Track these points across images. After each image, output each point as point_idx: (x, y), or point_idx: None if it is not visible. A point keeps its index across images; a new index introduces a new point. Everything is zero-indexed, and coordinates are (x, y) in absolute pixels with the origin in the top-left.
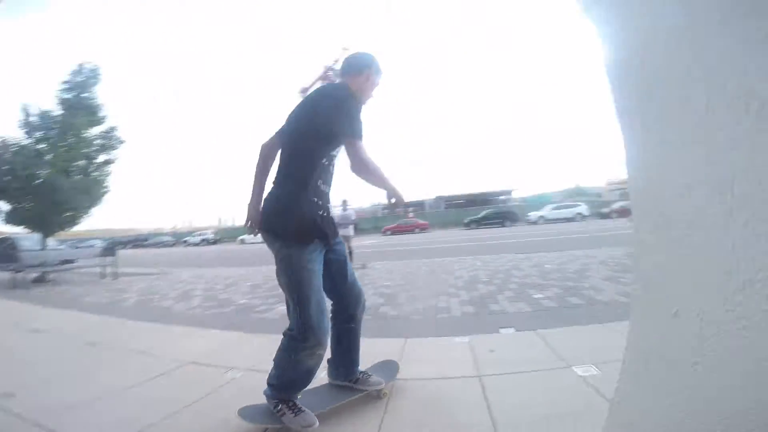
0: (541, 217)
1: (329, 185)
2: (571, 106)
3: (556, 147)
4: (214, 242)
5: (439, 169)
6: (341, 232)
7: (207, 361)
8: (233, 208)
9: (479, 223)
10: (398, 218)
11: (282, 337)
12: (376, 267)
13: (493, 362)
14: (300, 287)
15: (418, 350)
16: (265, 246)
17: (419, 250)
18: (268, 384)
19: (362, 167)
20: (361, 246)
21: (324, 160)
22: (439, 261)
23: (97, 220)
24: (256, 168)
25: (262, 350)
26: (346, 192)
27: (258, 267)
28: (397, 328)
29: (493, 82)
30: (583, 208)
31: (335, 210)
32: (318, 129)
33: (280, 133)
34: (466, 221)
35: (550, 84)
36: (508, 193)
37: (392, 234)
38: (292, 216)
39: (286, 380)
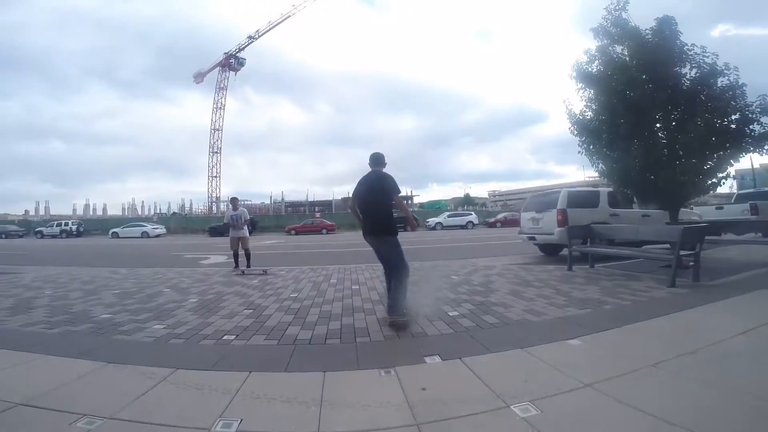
0: (439, 223)
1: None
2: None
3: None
4: (78, 234)
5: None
6: (234, 233)
7: (46, 402)
8: (102, 192)
9: None
10: (306, 218)
11: (389, 283)
12: (280, 273)
13: (428, 403)
14: (401, 252)
15: (341, 389)
16: (140, 241)
17: (327, 254)
18: (394, 307)
19: (402, 206)
20: (261, 246)
21: (392, 201)
22: (350, 267)
23: None
24: (354, 214)
25: (127, 389)
26: (236, 190)
27: (134, 268)
28: (311, 356)
29: (398, 86)
30: (473, 217)
31: (225, 211)
32: (389, 191)
33: (357, 196)
34: None
35: (451, 95)
36: (410, 198)
37: (296, 234)
38: (394, 225)
39: (403, 297)
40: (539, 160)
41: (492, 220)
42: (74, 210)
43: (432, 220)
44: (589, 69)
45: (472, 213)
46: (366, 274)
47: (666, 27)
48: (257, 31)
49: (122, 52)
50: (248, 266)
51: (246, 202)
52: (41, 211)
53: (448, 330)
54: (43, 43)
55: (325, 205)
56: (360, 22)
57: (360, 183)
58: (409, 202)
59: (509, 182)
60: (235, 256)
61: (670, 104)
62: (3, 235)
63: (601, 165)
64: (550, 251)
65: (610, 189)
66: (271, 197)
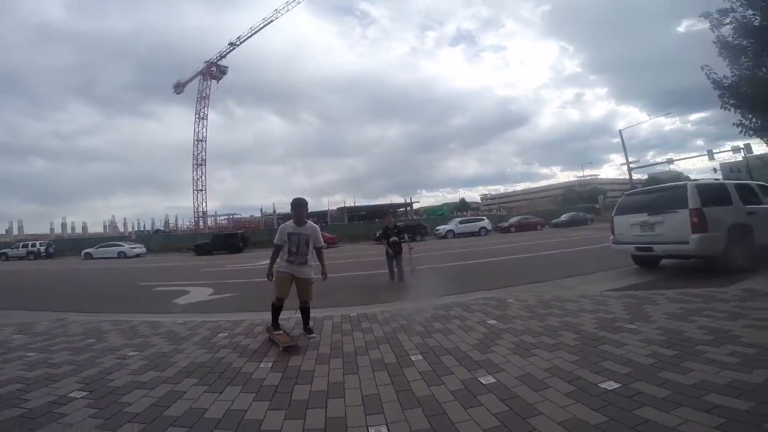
0: (450, 231)
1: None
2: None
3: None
4: (48, 255)
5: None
6: (288, 267)
7: None
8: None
9: None
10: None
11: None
12: (333, 335)
13: None
14: None
15: None
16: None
17: (356, 281)
18: None
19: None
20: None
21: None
22: (440, 313)
23: None
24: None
25: None
26: (223, 204)
27: (55, 322)
28: None
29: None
30: (486, 223)
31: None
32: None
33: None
34: (377, 235)
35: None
36: (409, 205)
37: None
38: None
39: None
40: (525, 162)
41: (506, 224)
42: (51, 229)
43: (442, 228)
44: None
45: (485, 218)
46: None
47: None
48: (239, 37)
49: (99, 68)
50: (305, 326)
51: (234, 216)
52: (15, 231)
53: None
54: (17, 60)
55: (320, 216)
56: (341, 29)
57: None
58: (409, 210)
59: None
60: (277, 311)
61: None
62: None
63: None
64: (649, 263)
65: (738, 181)
66: (261, 210)
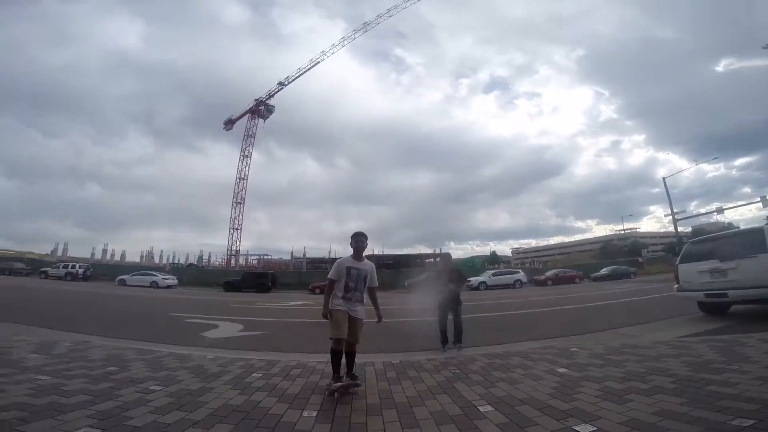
0: (482, 282)
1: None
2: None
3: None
4: (85, 278)
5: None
6: (346, 305)
7: None
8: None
9: None
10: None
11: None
12: (378, 382)
13: None
14: None
15: None
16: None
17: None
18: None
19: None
20: (291, 311)
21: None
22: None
23: None
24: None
25: None
26: (255, 245)
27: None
28: None
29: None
30: (521, 275)
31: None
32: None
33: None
34: (406, 284)
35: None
36: (438, 256)
37: (322, 293)
38: None
39: None
40: (558, 215)
41: (542, 277)
42: (92, 254)
43: (475, 279)
44: None
45: (520, 271)
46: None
47: None
48: (287, 77)
49: (160, 99)
50: (350, 372)
51: (265, 257)
52: (59, 252)
53: None
54: (91, 85)
55: None
56: (377, 74)
57: None
58: (438, 260)
59: (528, 239)
60: (338, 356)
61: None
62: (6, 272)
63: None
64: (718, 310)
65: None
66: (291, 253)
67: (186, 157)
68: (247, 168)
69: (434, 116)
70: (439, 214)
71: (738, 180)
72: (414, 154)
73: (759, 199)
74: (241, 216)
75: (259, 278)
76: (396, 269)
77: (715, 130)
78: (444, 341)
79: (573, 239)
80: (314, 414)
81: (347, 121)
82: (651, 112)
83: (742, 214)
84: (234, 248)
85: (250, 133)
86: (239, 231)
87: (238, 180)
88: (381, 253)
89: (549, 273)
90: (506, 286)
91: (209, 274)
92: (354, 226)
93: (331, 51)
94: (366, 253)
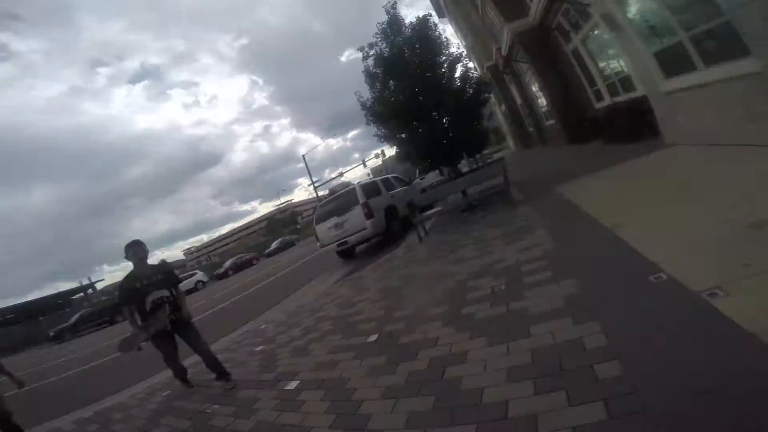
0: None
1: None
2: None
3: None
4: None
5: None
6: None
7: None
8: None
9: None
10: None
11: None
12: None
13: None
14: None
15: None
16: None
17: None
18: None
19: None
20: None
21: None
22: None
23: None
24: None
25: None
26: None
27: None
28: None
29: None
30: (200, 275)
31: None
32: None
33: None
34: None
35: None
36: (91, 286)
37: None
38: None
39: None
40: (224, 203)
41: (222, 270)
42: None
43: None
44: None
45: (198, 272)
46: None
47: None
48: None
49: None
50: None
51: None
52: None
53: None
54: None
55: None
56: None
57: None
58: (91, 291)
59: (199, 235)
60: None
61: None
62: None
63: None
64: (348, 254)
65: (381, 177)
66: None
67: None
68: None
69: (54, 114)
70: (75, 236)
71: (352, 149)
72: (19, 165)
73: (361, 162)
74: None
75: None
76: (31, 319)
77: (339, 110)
78: (182, 379)
79: (242, 223)
80: None
81: None
82: (296, 98)
83: (356, 173)
84: None
85: None
86: None
87: None
88: None
89: (227, 263)
90: (189, 291)
91: None
92: None
93: None
94: None
